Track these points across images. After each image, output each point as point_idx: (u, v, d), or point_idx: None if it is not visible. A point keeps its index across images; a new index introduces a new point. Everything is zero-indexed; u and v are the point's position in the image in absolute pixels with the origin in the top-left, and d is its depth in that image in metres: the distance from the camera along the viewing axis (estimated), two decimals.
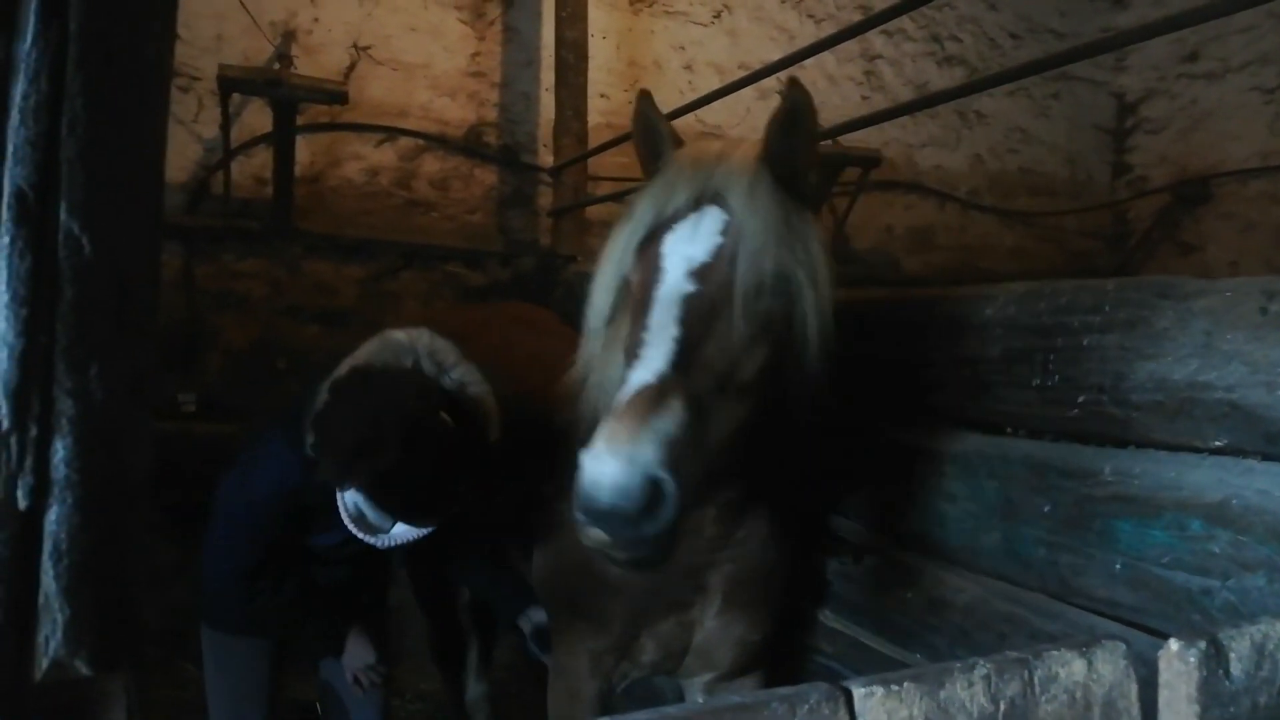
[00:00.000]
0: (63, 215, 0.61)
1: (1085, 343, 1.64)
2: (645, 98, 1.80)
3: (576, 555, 2.07)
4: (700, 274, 1.50)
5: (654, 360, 1.40)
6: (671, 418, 1.32)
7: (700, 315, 1.46)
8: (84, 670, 0.64)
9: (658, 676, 2.24)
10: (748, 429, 1.50)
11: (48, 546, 0.61)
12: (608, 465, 1.27)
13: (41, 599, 0.61)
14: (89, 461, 0.63)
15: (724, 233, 1.53)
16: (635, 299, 1.55)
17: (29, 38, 0.58)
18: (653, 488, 1.27)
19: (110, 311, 0.65)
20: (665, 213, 1.59)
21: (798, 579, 2.41)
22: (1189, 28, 1.90)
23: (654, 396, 1.34)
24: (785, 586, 2.20)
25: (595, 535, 1.32)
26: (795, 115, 1.61)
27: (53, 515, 0.62)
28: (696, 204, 1.58)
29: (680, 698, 2.36)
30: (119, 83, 0.64)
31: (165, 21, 0.69)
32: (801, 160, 1.63)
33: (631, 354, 1.45)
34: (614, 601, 2.02)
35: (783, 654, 2.45)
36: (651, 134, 1.79)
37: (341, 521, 2.14)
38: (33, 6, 0.58)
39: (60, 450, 0.62)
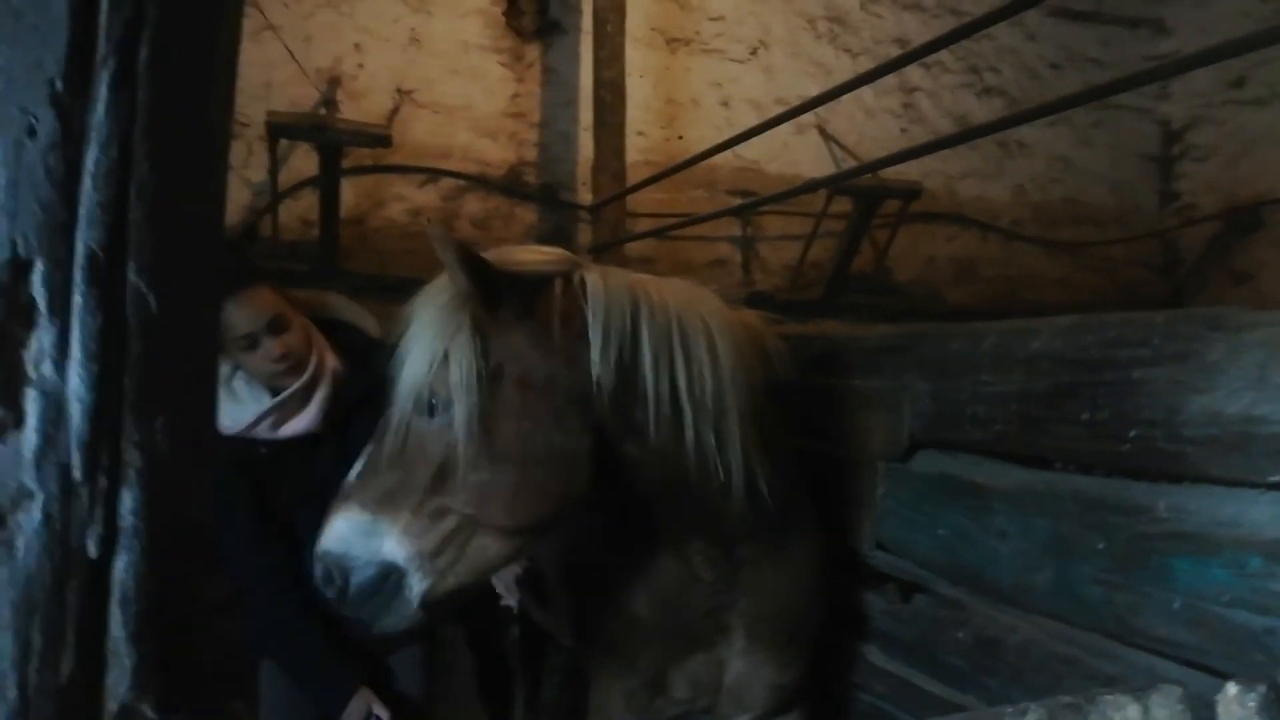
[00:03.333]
0: (131, 275, 0.64)
1: (1135, 376, 1.61)
2: (436, 227, 2.00)
3: (603, 595, 2.15)
4: (395, 398, 1.76)
5: (351, 471, 1.76)
6: (345, 517, 1.69)
7: (386, 433, 1.75)
8: (150, 714, 0.65)
9: (696, 714, 2.25)
10: (473, 521, 1.68)
11: (116, 594, 0.63)
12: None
13: (110, 645, 0.63)
14: (155, 511, 0.65)
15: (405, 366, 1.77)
16: None
17: (100, 108, 0.62)
18: (321, 567, 1.69)
19: (175, 367, 0.67)
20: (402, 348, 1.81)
21: (840, 617, 2.38)
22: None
23: (337, 501, 1.72)
24: (818, 627, 2.21)
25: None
26: (441, 249, 1.67)
27: (120, 563, 0.64)
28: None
29: None
30: (183, 148, 0.67)
31: (225, 89, 0.72)
32: (462, 287, 1.70)
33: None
34: (640, 639, 2.10)
35: (830, 693, 2.41)
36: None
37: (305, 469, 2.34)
38: (104, 79, 0.61)
39: (128, 500, 0.64)
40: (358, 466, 1.76)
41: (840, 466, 2.43)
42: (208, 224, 0.72)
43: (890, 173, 5.25)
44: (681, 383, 1.79)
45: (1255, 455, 1.41)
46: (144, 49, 0.63)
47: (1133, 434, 1.61)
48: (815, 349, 2.68)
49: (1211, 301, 6.04)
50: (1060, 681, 1.70)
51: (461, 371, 1.68)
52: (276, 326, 2.31)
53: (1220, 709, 0.68)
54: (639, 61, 5.79)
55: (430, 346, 1.71)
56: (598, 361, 1.74)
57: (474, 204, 5.61)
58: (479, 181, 5.60)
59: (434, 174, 5.48)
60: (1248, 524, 1.41)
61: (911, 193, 5.55)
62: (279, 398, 2.33)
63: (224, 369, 2.37)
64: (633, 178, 5.33)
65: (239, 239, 5.02)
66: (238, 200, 5.14)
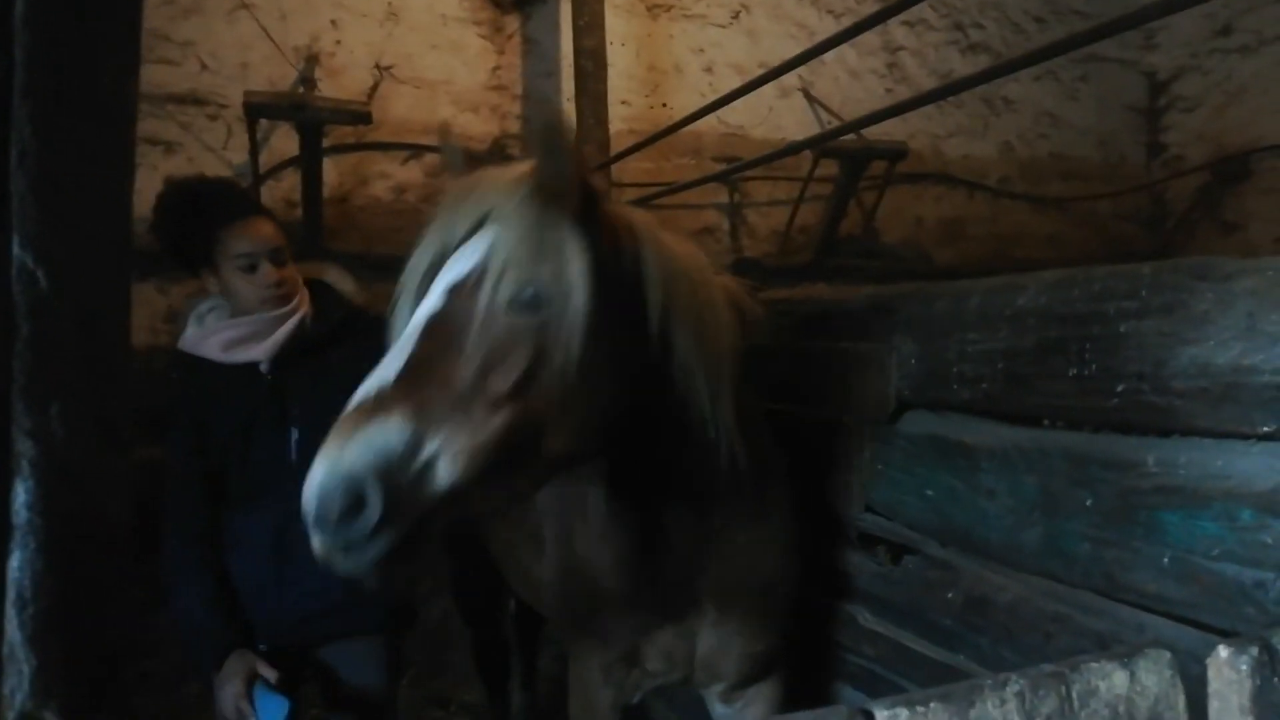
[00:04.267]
0: (15, 249, 0.59)
1: (1122, 330, 1.59)
2: (444, 131, 1.84)
3: (574, 568, 2.12)
4: (451, 293, 1.54)
5: (382, 374, 1.44)
6: (385, 427, 1.36)
7: (441, 333, 1.49)
8: None
9: (673, 685, 2.24)
10: (522, 442, 1.48)
11: (11, 594, 0.59)
12: (314, 473, 1.33)
13: (6, 649, 0.59)
14: (52, 504, 0.61)
15: (484, 253, 1.56)
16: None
17: None
18: (351, 492, 1.31)
19: (73, 349, 0.62)
20: (448, 240, 1.63)
21: (830, 580, 2.37)
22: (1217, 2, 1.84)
23: (370, 408, 1.38)
24: (791, 595, 2.19)
25: (315, 546, 1.36)
26: (550, 133, 1.57)
27: (15, 561, 0.59)
28: (472, 229, 1.61)
29: None
30: (74, 114, 0.62)
31: (127, 54, 0.67)
32: (566, 177, 1.57)
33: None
34: (612, 615, 2.07)
35: (819, 657, 2.41)
36: (458, 163, 1.82)
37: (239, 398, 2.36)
38: None
39: (21, 493, 0.60)
40: (393, 366, 1.45)
41: (829, 429, 2.41)
42: (109, 196, 0.67)
43: (876, 134, 5.19)
44: (691, 334, 1.74)
45: (1245, 406, 1.39)
46: (19, 3, 0.58)
47: (1120, 388, 1.59)
48: (802, 312, 2.65)
49: (1200, 253, 6.01)
50: (1050, 640, 1.69)
51: (579, 265, 1.52)
52: (277, 257, 2.36)
53: (1211, 672, 0.65)
54: (620, 29, 5.71)
55: (532, 236, 1.53)
56: (657, 283, 1.67)
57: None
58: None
59: (417, 150, 5.41)
60: (1238, 476, 1.39)
61: (898, 153, 5.50)
62: (249, 317, 2.36)
63: (202, 305, 2.46)
64: (617, 147, 5.27)
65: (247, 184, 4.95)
66: None
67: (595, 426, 1.61)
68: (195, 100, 5.03)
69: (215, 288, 2.40)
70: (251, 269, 2.33)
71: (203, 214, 2.33)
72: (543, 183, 1.57)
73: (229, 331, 2.36)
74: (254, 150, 4.80)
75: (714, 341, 1.79)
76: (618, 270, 1.64)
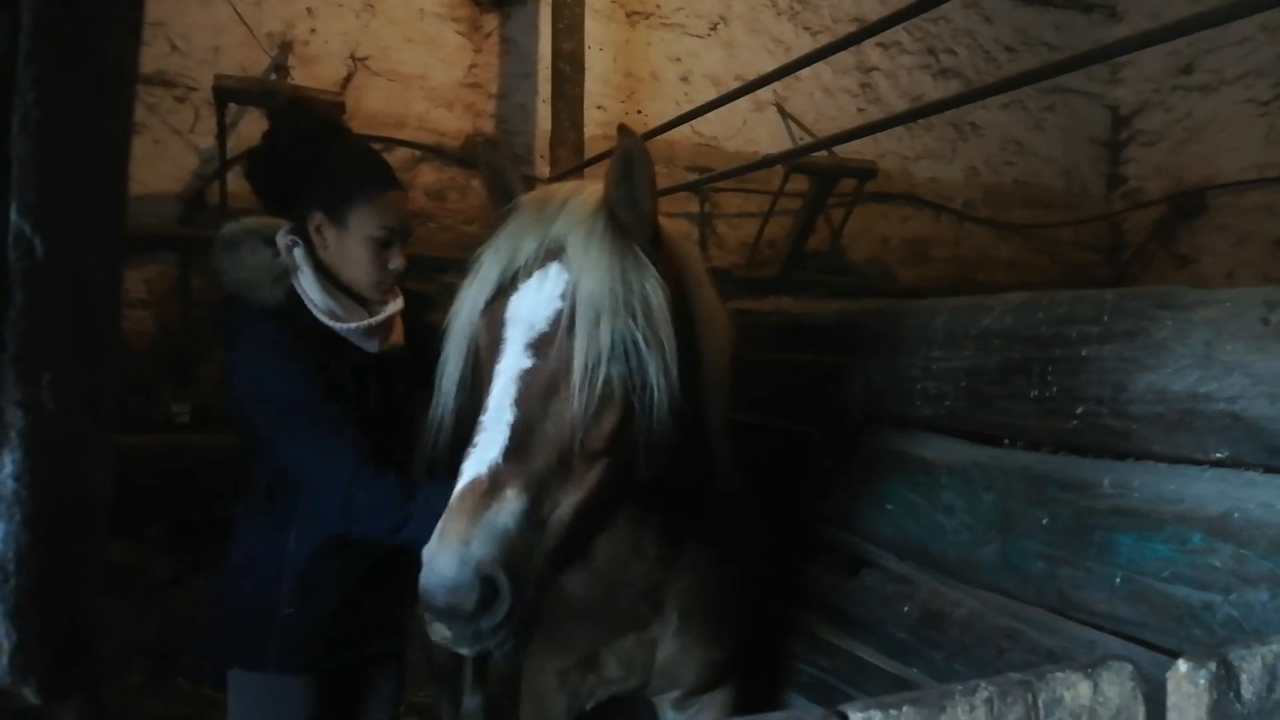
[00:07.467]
0: (13, 216, 0.58)
1: (1084, 354, 1.62)
2: (489, 145, 1.72)
3: None
4: (538, 345, 1.48)
5: (488, 448, 1.40)
6: (505, 509, 1.35)
7: (538, 393, 1.45)
8: (32, 699, 0.60)
9: (628, 693, 2.22)
10: (610, 490, 1.48)
11: None
12: (441, 564, 1.31)
13: None
14: (40, 477, 0.60)
15: (563, 296, 1.50)
16: (482, 369, 1.54)
17: None
18: (486, 585, 1.31)
19: (66, 319, 0.61)
20: (510, 269, 1.56)
21: (788, 590, 2.39)
22: (1182, 38, 1.90)
23: (487, 489, 1.36)
24: (751, 602, 2.20)
25: (439, 631, 1.36)
26: (629, 163, 1.53)
27: None
28: (540, 260, 1.54)
29: None
30: (77, 82, 0.61)
31: (130, 24, 0.66)
32: (643, 209, 1.55)
33: (469, 439, 1.44)
34: (572, 620, 2.02)
35: (773, 666, 2.42)
36: (500, 181, 1.71)
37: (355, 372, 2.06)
38: None
39: (9, 465, 0.59)
40: (499, 438, 1.40)
41: (792, 440, 2.43)
42: (108, 167, 0.66)
43: (847, 152, 5.27)
44: (712, 357, 1.75)
45: (1199, 432, 1.43)
46: None
47: (1080, 410, 1.62)
48: (770, 324, 2.68)
49: (1155, 284, 6.16)
50: (1003, 655, 1.72)
51: (665, 307, 1.49)
52: (406, 241, 2.16)
53: (1170, 686, 0.68)
54: (598, 34, 5.72)
55: (618, 278, 1.47)
56: (702, 319, 1.68)
57: (429, 175, 5.52)
58: (434, 152, 5.51)
59: (388, 143, 5.38)
60: (1190, 500, 1.43)
61: (867, 172, 5.58)
62: (383, 317, 2.13)
63: (286, 240, 2.08)
64: (591, 151, 5.28)
65: (187, 205, 4.89)
66: (185, 166, 5.01)
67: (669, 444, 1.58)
68: (163, 82, 4.96)
69: (325, 242, 2.10)
70: (386, 245, 2.10)
71: (367, 168, 2.13)
72: (616, 210, 1.54)
73: (362, 322, 2.09)
74: (222, 135, 4.74)
75: (722, 362, 1.81)
76: (676, 301, 1.60)
